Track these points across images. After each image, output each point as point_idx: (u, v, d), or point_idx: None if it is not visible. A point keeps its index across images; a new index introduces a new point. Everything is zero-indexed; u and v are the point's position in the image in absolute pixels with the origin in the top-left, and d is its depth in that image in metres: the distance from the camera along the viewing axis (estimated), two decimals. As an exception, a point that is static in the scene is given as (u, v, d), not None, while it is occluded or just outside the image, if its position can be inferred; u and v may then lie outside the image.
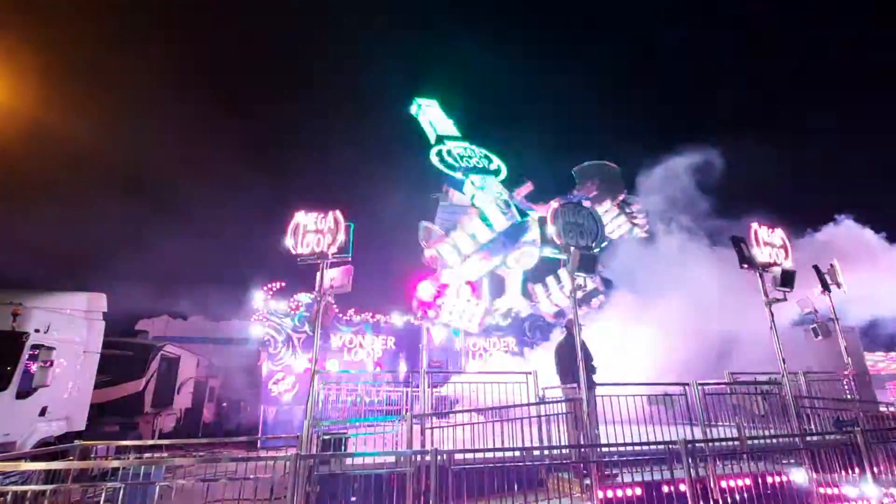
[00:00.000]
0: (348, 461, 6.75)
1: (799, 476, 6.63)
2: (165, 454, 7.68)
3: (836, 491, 6.52)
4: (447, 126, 23.44)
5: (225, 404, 26.32)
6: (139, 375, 14.45)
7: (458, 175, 20.98)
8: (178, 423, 17.84)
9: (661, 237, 20.77)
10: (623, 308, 17.87)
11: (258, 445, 15.41)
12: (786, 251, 9.39)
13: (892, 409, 10.56)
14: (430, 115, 23.84)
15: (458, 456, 5.76)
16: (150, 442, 12.60)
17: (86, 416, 11.12)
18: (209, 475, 6.12)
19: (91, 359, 11.44)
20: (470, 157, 21.72)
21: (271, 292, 20.24)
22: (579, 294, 7.87)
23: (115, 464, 5.58)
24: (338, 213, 8.25)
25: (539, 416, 7.68)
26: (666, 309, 15.90)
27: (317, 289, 7.92)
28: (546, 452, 6.99)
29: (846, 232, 19.14)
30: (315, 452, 6.81)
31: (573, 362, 7.42)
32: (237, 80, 78.57)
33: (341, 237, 8.04)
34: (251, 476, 5.68)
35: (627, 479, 6.16)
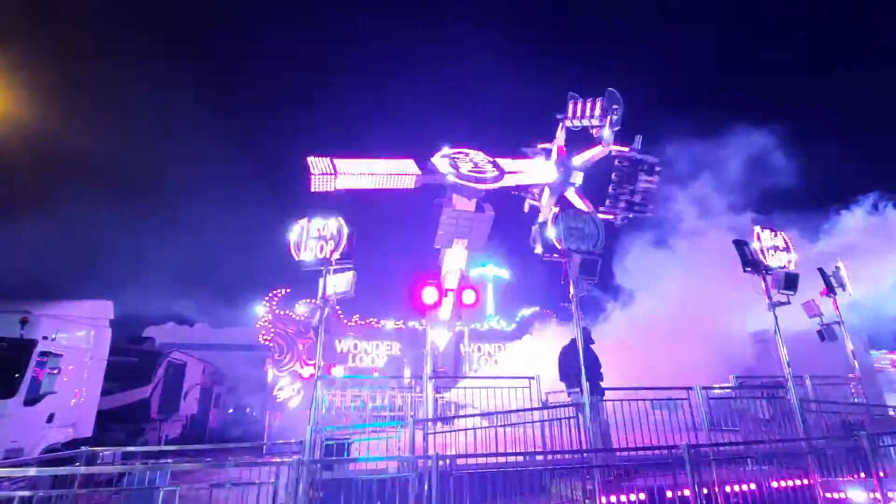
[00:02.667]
0: (351, 467, 6.77)
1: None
2: (171, 460, 7.71)
3: (841, 495, 6.46)
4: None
5: (231, 410, 26.41)
6: (145, 382, 14.52)
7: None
8: (185, 429, 17.89)
9: (687, 232, 20.04)
10: (646, 308, 17.60)
11: (263, 451, 15.44)
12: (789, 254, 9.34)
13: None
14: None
15: (461, 461, 5.77)
16: (156, 448, 12.65)
17: (92, 422, 11.22)
18: (214, 481, 6.16)
19: (98, 366, 11.55)
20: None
21: (276, 299, 20.36)
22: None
23: (121, 469, 5.65)
24: (340, 218, 8.30)
25: (543, 421, 7.68)
26: (690, 309, 15.65)
27: (320, 295, 7.97)
28: (549, 457, 6.98)
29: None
30: (318, 458, 6.83)
31: (577, 367, 7.40)
32: (245, 83, 79.19)
33: (344, 243, 8.09)
34: (255, 481, 5.71)
35: (631, 484, 6.15)
